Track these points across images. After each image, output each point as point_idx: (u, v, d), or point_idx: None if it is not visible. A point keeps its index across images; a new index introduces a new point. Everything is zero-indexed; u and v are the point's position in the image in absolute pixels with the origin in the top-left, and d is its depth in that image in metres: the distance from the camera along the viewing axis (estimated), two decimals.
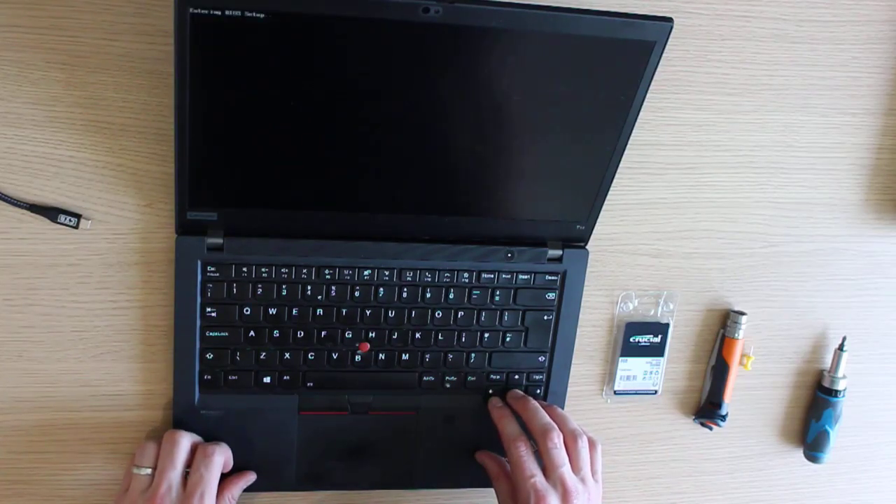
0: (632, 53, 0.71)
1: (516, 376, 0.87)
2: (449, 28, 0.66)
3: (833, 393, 0.97)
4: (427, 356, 0.85)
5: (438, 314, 0.84)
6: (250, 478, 0.82)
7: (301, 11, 0.63)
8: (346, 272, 0.81)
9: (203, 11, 0.62)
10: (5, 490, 0.81)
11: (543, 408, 0.84)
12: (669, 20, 0.70)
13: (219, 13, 0.62)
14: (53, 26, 0.72)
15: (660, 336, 0.93)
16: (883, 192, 0.93)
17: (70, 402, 0.81)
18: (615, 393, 0.94)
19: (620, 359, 0.93)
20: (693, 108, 0.87)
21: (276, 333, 0.81)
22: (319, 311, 0.81)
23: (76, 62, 0.73)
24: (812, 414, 0.99)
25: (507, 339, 0.86)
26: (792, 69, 0.88)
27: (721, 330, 0.95)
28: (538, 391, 0.89)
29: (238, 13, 0.62)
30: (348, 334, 0.82)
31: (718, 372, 0.95)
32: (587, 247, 0.86)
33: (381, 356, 0.84)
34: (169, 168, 0.77)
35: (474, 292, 0.84)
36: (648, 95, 0.75)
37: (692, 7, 0.83)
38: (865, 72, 0.88)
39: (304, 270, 0.80)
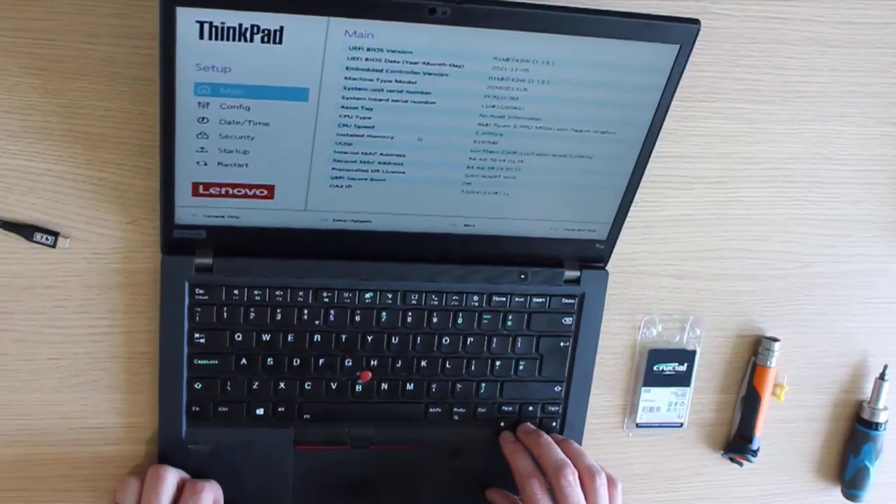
0: (655, 58, 0.71)
1: (530, 408, 0.87)
2: (457, 29, 0.67)
3: (873, 426, 0.97)
4: (433, 386, 0.84)
5: (446, 340, 0.84)
6: None
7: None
8: (345, 295, 0.81)
9: (191, 10, 0.62)
10: None
11: (558, 442, 0.83)
12: (696, 22, 0.70)
13: (208, 12, 0.62)
14: (28, 28, 0.72)
15: (685, 364, 0.93)
16: None
17: (47, 435, 0.81)
18: (637, 426, 0.94)
19: (643, 389, 0.93)
20: (721, 117, 0.87)
21: (269, 361, 0.81)
22: (317, 337, 0.81)
23: (53, 67, 0.73)
24: (850, 448, 0.99)
25: (521, 367, 0.86)
26: (828, 75, 0.87)
27: (752, 358, 0.95)
28: (554, 424, 0.88)
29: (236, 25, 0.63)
30: (348, 362, 0.82)
31: (749, 403, 0.95)
32: (607, 267, 0.86)
33: (384, 386, 0.83)
34: (154, 182, 0.75)
35: (484, 317, 0.84)
36: (673, 104, 0.74)
37: (720, 8, 0.83)
38: None
39: (301, 293, 0.80)
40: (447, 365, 0.84)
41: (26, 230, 0.76)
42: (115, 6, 0.72)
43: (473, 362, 0.85)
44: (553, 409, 0.88)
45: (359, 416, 0.84)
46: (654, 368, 0.92)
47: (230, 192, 0.74)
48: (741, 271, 0.92)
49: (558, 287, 0.84)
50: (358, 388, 0.83)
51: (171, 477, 0.76)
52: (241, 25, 0.64)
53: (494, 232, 0.81)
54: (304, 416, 0.83)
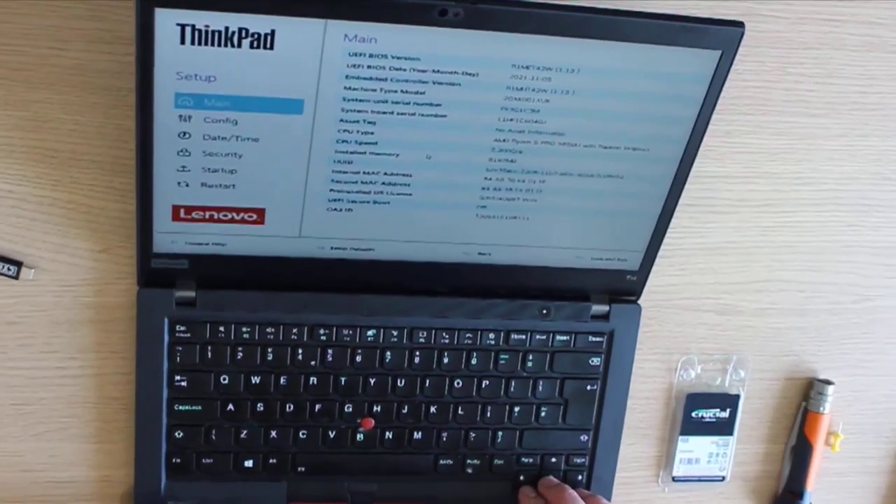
0: (694, 66, 0.71)
1: (553, 459, 0.87)
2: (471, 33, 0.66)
3: None
4: (444, 435, 0.84)
5: (458, 383, 0.83)
6: None
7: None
8: (345, 332, 0.81)
9: (171, 12, 0.61)
10: None
11: (584, 498, 0.82)
12: (740, 25, 0.69)
13: (190, 14, 0.62)
14: None
15: (728, 410, 0.92)
16: None
17: (9, 490, 0.80)
18: (673, 479, 0.93)
19: (680, 438, 0.92)
20: (769, 132, 0.86)
21: (259, 407, 0.80)
22: (313, 380, 0.81)
23: (16, 76, 0.73)
24: None
25: (542, 413, 0.86)
26: (889, 84, 0.87)
27: (803, 403, 0.94)
28: (580, 477, 0.88)
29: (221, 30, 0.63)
30: (348, 408, 0.82)
31: (799, 454, 0.94)
32: (639, 301, 0.86)
33: (388, 434, 0.83)
34: (129, 205, 0.75)
35: (502, 357, 0.84)
36: (714, 117, 0.74)
37: (767, 9, 0.82)
38: None
39: (295, 330, 0.80)
40: (459, 411, 0.84)
41: None
42: (86, 7, 0.72)
43: (489, 408, 0.84)
44: (579, 460, 0.87)
45: (360, 469, 0.83)
46: (693, 415, 0.91)
47: (215, 216, 0.73)
48: (791, 306, 0.92)
49: (585, 323, 0.84)
50: (359, 436, 0.83)
51: None
52: (227, 29, 0.63)
53: (513, 261, 0.81)
54: (299, 469, 0.82)
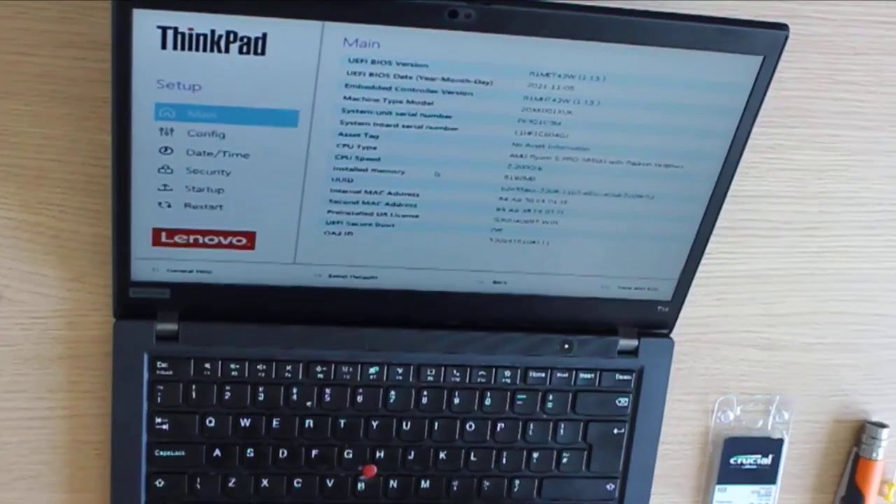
0: (732, 73, 0.70)
1: None
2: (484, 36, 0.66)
3: None
4: (455, 483, 0.84)
5: (470, 427, 0.83)
6: None
7: None
8: (344, 370, 0.80)
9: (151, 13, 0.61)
10: None
11: None
12: (784, 28, 0.69)
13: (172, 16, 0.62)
14: None
15: (771, 456, 0.92)
16: None
17: None
18: None
19: (717, 487, 0.92)
20: (816, 146, 0.86)
21: (249, 453, 0.80)
22: (309, 423, 0.81)
23: None
24: None
25: (564, 460, 0.85)
26: None
27: (854, 448, 0.94)
28: None
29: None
30: (348, 454, 0.82)
31: None
32: (672, 335, 0.86)
33: (393, 483, 0.83)
34: (105, 228, 0.75)
35: (519, 397, 0.83)
36: (755, 130, 0.74)
37: (813, 10, 0.82)
38: None
39: (289, 367, 0.79)
40: (472, 457, 0.84)
41: None
42: (56, 9, 0.72)
43: (505, 454, 0.84)
44: None
45: None
46: (732, 462, 0.91)
47: (200, 240, 0.73)
48: (840, 340, 0.92)
49: (611, 360, 0.84)
50: (360, 485, 0.83)
51: None
52: (213, 32, 0.63)
53: (531, 291, 0.80)
54: None
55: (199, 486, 0.80)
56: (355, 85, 0.67)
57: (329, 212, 0.73)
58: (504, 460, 0.84)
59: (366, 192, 0.72)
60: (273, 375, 0.79)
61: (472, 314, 0.81)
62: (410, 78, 0.67)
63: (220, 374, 0.78)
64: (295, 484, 0.81)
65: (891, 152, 0.87)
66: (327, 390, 0.80)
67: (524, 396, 0.83)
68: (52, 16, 0.72)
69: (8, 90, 0.73)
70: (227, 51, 0.63)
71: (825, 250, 0.89)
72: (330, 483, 0.82)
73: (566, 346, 0.83)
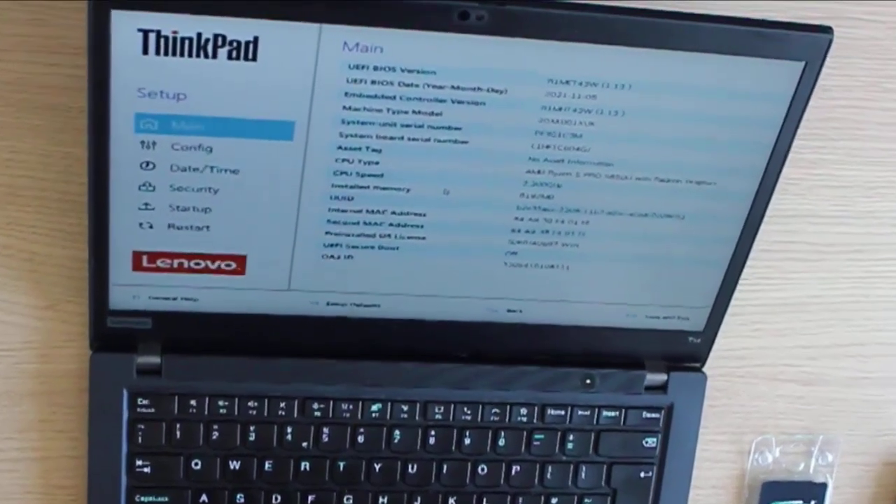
0: (770, 81, 0.70)
1: None
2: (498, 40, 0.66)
3: None
4: None
5: (482, 470, 0.83)
6: None
7: None
8: (344, 407, 0.80)
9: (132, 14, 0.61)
10: None
11: None
12: (827, 30, 0.68)
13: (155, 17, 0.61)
14: None
15: (813, 502, 0.92)
16: None
17: None
18: None
19: None
20: (862, 161, 0.86)
21: (240, 499, 0.80)
22: (305, 465, 0.80)
23: None
24: None
25: None
26: None
27: None
28: None
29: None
30: (348, 500, 0.82)
31: None
32: (704, 369, 0.86)
33: None
34: (80, 251, 0.74)
35: (536, 437, 0.83)
36: (796, 143, 0.73)
37: (861, 10, 0.82)
38: None
39: (283, 404, 0.79)
40: (485, 503, 0.83)
41: None
42: (26, 9, 0.72)
43: (521, 500, 0.84)
44: None
45: None
46: None
47: (185, 265, 0.73)
48: (889, 374, 0.92)
49: (637, 396, 0.84)
50: None
51: None
52: (199, 36, 0.62)
53: (549, 320, 0.81)
54: None
55: None
56: (356, 93, 0.66)
57: (327, 233, 0.73)
58: None
59: (367, 211, 0.72)
60: (265, 413, 0.79)
61: (484, 346, 0.81)
62: (417, 86, 0.67)
63: (206, 412, 0.78)
64: None
65: None
66: (325, 429, 0.80)
67: (541, 436, 0.83)
68: (22, 17, 0.72)
69: None
70: (214, 56, 0.63)
71: (872, 275, 0.89)
72: None
73: (588, 380, 0.83)
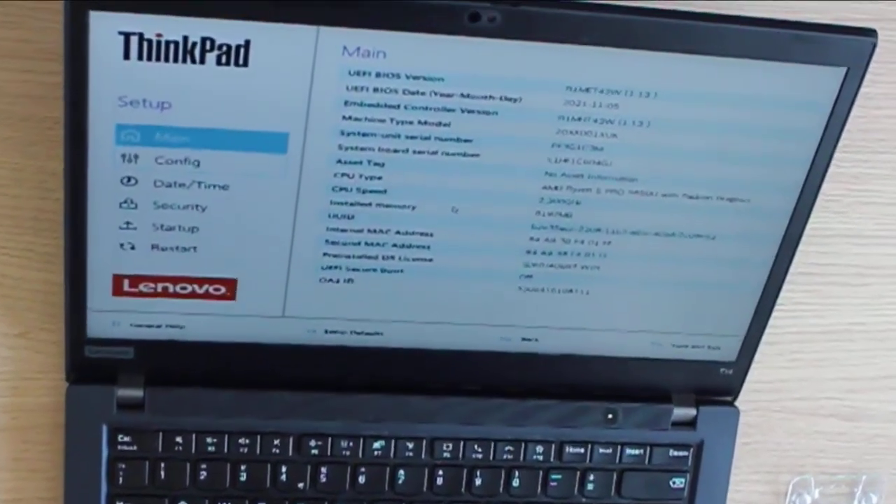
0: (809, 88, 0.70)
1: None
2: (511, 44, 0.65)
3: None
4: None
5: None
6: None
7: None
8: (343, 444, 0.80)
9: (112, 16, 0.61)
10: None
11: None
12: (871, 33, 0.68)
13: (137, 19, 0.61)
14: None
15: None
16: None
17: None
18: None
19: None
20: None
21: None
22: None
23: None
24: None
25: None
26: None
27: None
28: None
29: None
30: None
31: None
32: (737, 403, 0.86)
33: None
34: (56, 274, 0.74)
35: (553, 477, 0.83)
36: (837, 155, 0.73)
37: None
38: None
39: (277, 441, 0.79)
40: None
41: None
42: None
43: None
44: None
45: None
46: None
47: (170, 289, 0.73)
48: None
49: (664, 432, 0.84)
50: None
51: None
52: (186, 39, 0.62)
53: (567, 349, 0.81)
54: None
55: None
56: (356, 102, 0.66)
57: (325, 255, 0.73)
58: None
59: (369, 231, 0.72)
60: (258, 451, 0.79)
61: (497, 378, 0.81)
62: (423, 94, 0.67)
63: (194, 450, 0.78)
64: None
65: None
66: (323, 469, 0.80)
67: (559, 476, 0.83)
68: None
69: None
70: (202, 62, 0.63)
71: None
72: None
73: (609, 415, 0.83)
